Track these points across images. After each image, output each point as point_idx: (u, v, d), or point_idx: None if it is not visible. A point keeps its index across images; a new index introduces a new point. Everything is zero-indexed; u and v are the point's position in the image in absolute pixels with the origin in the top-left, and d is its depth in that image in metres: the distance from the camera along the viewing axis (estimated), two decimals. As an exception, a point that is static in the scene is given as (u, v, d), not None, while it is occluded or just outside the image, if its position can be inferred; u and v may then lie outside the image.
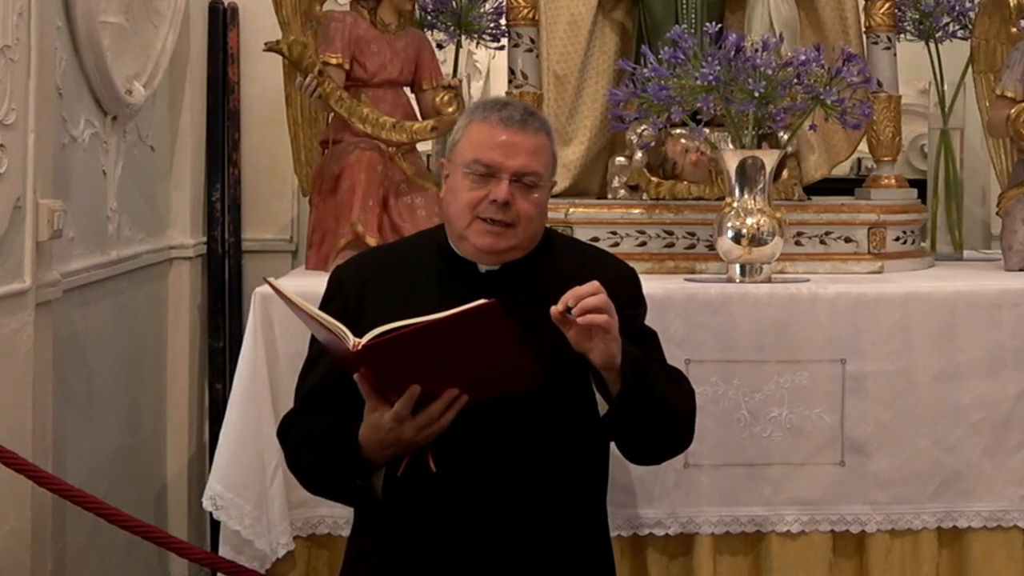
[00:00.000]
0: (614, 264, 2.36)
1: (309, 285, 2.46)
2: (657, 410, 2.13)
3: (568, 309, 2.01)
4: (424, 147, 3.61)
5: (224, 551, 2.73)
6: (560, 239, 2.41)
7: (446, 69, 3.67)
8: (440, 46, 3.69)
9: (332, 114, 3.31)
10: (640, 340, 2.23)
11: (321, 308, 2.21)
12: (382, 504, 2.17)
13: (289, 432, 2.23)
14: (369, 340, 1.94)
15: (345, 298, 2.22)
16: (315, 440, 2.15)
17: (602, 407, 2.15)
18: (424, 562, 2.16)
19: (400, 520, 2.18)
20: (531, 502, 2.16)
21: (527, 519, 2.16)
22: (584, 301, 2.00)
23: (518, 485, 2.15)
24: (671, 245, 3.24)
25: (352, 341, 1.95)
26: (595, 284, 2.03)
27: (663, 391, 2.15)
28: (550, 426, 2.16)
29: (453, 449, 2.09)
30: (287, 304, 2.08)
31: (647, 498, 2.80)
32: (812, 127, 3.23)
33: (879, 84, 3.43)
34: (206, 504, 2.75)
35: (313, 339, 2.24)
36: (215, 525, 3.01)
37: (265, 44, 3.25)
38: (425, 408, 2.00)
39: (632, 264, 3.14)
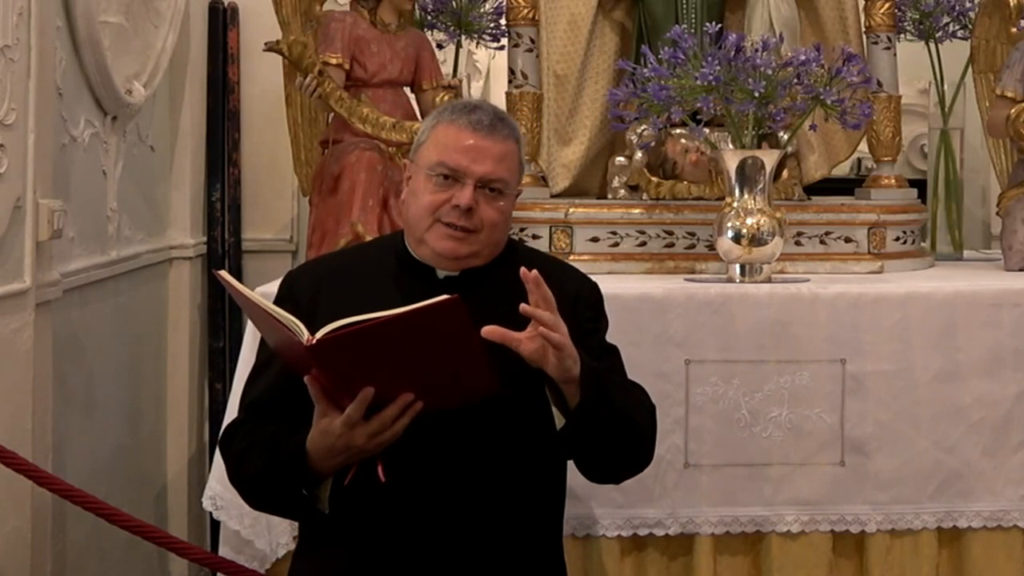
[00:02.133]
0: (576, 277, 2.28)
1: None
2: (616, 425, 2.06)
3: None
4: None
5: (224, 551, 2.73)
6: (523, 249, 2.33)
7: (446, 69, 3.67)
8: (440, 46, 3.70)
9: (332, 114, 3.31)
10: (601, 355, 2.18)
11: None
12: (328, 517, 2.07)
13: (232, 441, 2.12)
14: (324, 334, 1.83)
15: (296, 303, 2.10)
16: (260, 448, 2.04)
17: (558, 421, 2.07)
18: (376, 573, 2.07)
19: (346, 533, 2.08)
20: (483, 515, 2.09)
21: (478, 532, 2.08)
22: (542, 314, 1.94)
23: (470, 497, 2.08)
24: (671, 245, 3.24)
25: (306, 336, 1.85)
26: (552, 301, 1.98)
27: (623, 406, 2.08)
28: (504, 437, 2.09)
29: (404, 460, 2.01)
30: (239, 300, 2.00)
31: (647, 498, 2.79)
32: (812, 127, 3.23)
33: (879, 84, 3.43)
34: (206, 504, 2.75)
35: (261, 346, 2.16)
36: (215, 525, 3.01)
37: (265, 44, 3.26)
38: (378, 414, 1.91)
39: (632, 264, 3.18)
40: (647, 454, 2.21)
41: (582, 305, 2.19)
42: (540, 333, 1.95)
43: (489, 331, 1.93)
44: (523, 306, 1.96)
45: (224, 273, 2.03)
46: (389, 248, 2.23)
